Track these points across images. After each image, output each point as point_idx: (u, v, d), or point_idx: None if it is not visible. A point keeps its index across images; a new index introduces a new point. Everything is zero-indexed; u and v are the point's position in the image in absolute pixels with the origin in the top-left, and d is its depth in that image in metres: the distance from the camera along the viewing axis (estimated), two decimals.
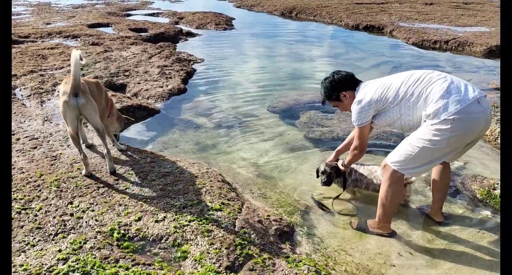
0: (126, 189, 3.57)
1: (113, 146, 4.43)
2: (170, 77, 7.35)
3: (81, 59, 3.55)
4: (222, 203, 3.38)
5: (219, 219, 3.13)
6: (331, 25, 13.89)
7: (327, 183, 3.88)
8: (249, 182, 4.24)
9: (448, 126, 2.76)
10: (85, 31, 10.93)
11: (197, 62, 8.79)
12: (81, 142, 4.04)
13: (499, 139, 4.89)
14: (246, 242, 2.89)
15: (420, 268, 3.01)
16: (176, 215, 3.15)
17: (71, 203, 3.31)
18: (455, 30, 11.75)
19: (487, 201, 3.80)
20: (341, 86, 3.40)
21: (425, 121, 2.91)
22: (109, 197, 3.42)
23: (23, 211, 3.18)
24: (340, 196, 3.90)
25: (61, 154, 4.23)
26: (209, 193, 3.53)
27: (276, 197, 3.96)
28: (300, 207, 3.77)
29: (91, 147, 4.41)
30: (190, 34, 11.81)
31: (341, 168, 3.81)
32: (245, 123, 5.77)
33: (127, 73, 7.39)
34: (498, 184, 3.91)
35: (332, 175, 3.85)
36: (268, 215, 3.42)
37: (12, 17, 13.90)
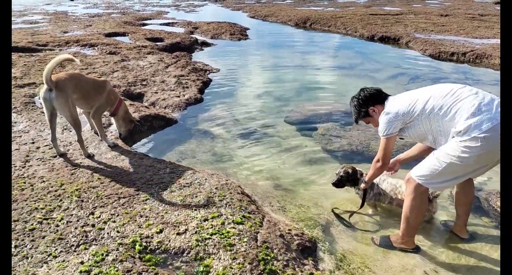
0: (146, 199, 3.55)
1: (100, 140, 4.75)
2: (187, 87, 7.38)
3: (72, 60, 4.08)
4: (243, 216, 3.34)
5: (241, 232, 3.09)
6: (346, 36, 13.88)
7: (335, 184, 3.89)
8: (268, 194, 4.20)
9: (478, 144, 2.70)
10: (102, 40, 11.08)
11: (213, 72, 8.82)
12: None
13: None
14: (269, 257, 2.84)
15: None
16: (197, 227, 3.13)
17: (92, 213, 3.30)
18: (472, 42, 11.65)
19: None
20: (369, 102, 3.38)
21: (453, 137, 2.86)
22: (130, 207, 3.41)
23: (44, 221, 3.18)
24: (361, 210, 3.84)
25: (81, 163, 4.25)
26: (230, 205, 3.50)
27: (295, 210, 3.91)
28: (321, 221, 3.72)
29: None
30: (205, 44, 11.89)
31: (362, 185, 3.77)
32: (262, 134, 5.75)
33: (144, 83, 7.44)
34: None
35: (342, 177, 3.85)
36: (289, 229, 3.37)
37: (30, 25, 14.18)
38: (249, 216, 3.39)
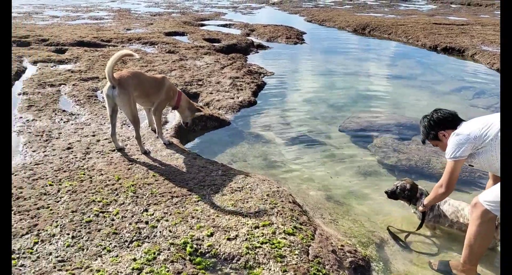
0: (198, 201, 3.56)
1: (157, 137, 4.86)
2: (241, 89, 7.40)
3: (131, 55, 4.15)
4: (295, 227, 3.25)
5: (292, 244, 3.01)
6: (407, 45, 13.38)
7: (387, 193, 3.80)
8: (320, 206, 4.08)
9: None
10: (162, 38, 11.40)
11: (267, 76, 8.79)
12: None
13: None
14: (320, 273, 2.74)
15: None
16: (248, 234, 3.08)
17: (146, 210, 3.35)
18: None
19: None
20: (440, 125, 3.20)
21: None
22: (182, 207, 3.43)
23: (100, 214, 3.26)
24: (418, 231, 3.63)
25: (137, 158, 4.35)
26: (281, 214, 3.42)
27: (348, 225, 3.77)
28: (375, 239, 3.55)
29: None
30: (261, 47, 11.91)
31: (420, 207, 3.57)
32: (314, 142, 5.63)
33: (200, 83, 7.54)
34: None
35: (397, 191, 3.72)
36: (342, 245, 3.24)
37: (96, 21, 14.87)
38: (301, 227, 3.29)
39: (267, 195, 3.74)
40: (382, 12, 21.06)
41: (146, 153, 4.45)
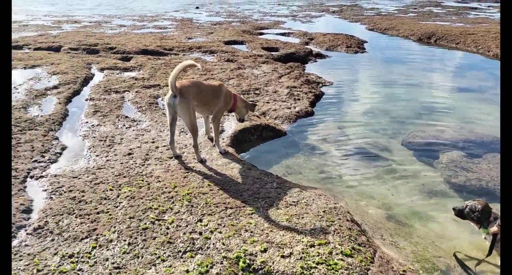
0: (252, 213, 3.48)
1: (213, 145, 4.88)
2: (298, 99, 7.29)
3: (194, 66, 4.23)
4: (353, 248, 3.07)
5: (350, 266, 2.84)
6: (477, 55, 12.57)
7: (455, 210, 3.53)
8: (380, 225, 3.86)
9: None
10: (221, 47, 11.59)
11: (326, 85, 8.61)
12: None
13: None
14: None
15: None
16: (303, 253, 2.95)
17: (200, 220, 3.33)
18: None
19: None
20: None
21: None
22: (236, 219, 3.37)
23: (156, 222, 3.28)
24: (489, 259, 3.30)
25: (193, 167, 4.37)
26: (338, 233, 3.25)
27: (411, 248, 3.52)
28: (440, 265, 3.28)
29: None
30: (319, 56, 11.73)
31: (493, 228, 3.24)
32: (374, 156, 5.38)
33: (257, 92, 7.53)
34: None
35: (465, 210, 3.44)
36: (404, 270, 3.02)
37: (159, 30, 15.46)
38: (359, 248, 3.11)
39: (324, 211, 3.59)
40: (449, 20, 20.03)
41: (202, 161, 4.47)
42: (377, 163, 5.21)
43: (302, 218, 3.46)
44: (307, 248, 3.01)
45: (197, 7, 27.06)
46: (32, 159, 4.35)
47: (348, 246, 3.08)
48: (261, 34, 15.67)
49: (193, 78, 8.05)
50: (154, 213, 3.41)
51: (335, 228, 3.31)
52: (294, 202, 3.73)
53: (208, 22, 18.98)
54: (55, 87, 6.94)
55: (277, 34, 15.64)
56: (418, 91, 8.56)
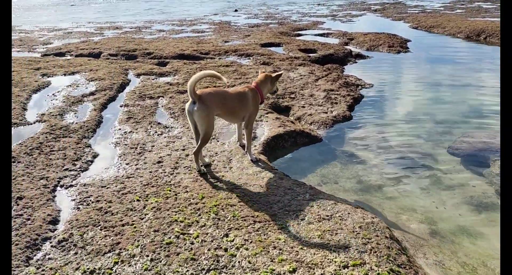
0: (281, 228, 3.27)
1: (245, 152, 4.67)
2: (336, 103, 6.98)
3: (219, 78, 4.09)
4: (391, 270, 2.79)
5: None
6: None
7: None
8: (422, 242, 3.53)
9: None
10: (257, 50, 11.44)
11: (366, 88, 8.23)
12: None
13: None
14: None
15: None
16: (335, 274, 2.70)
17: (226, 235, 3.16)
18: None
19: None
20: None
21: None
22: (264, 235, 3.17)
23: (181, 236, 3.15)
24: None
25: (223, 176, 4.22)
26: (375, 252, 2.98)
27: (457, 269, 3.17)
28: None
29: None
30: (359, 56, 11.31)
31: None
32: (417, 165, 5.01)
33: (292, 96, 7.30)
34: None
35: None
36: None
37: (197, 34, 15.54)
38: (399, 270, 2.82)
39: (360, 226, 3.32)
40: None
41: (201, 172, 4.24)
42: (420, 172, 4.84)
43: (336, 234, 3.20)
44: (340, 269, 2.76)
45: (235, 10, 27.16)
46: (63, 167, 4.37)
47: (386, 267, 2.80)
48: (299, 35, 15.40)
49: (226, 82, 7.94)
50: (180, 226, 3.27)
51: (372, 246, 3.04)
52: (328, 216, 3.48)
53: (246, 24, 18.93)
54: (91, 93, 7.05)
55: (315, 35, 15.31)
56: (465, 93, 7.99)
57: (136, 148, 4.91)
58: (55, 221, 3.41)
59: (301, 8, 27.83)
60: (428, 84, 8.64)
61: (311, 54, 11.11)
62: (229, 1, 35.78)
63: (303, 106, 6.78)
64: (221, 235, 3.16)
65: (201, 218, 3.40)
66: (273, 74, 4.72)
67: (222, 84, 7.64)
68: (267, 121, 5.83)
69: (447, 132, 5.96)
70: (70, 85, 7.58)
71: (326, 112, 6.53)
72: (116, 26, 18.23)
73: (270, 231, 3.24)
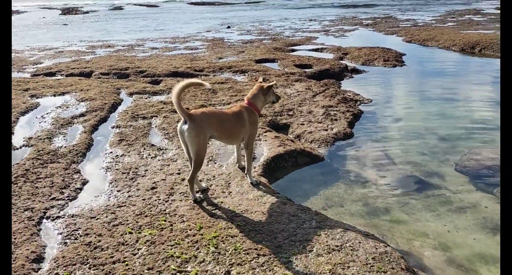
0: (288, 262, 3.00)
1: (245, 174, 4.43)
2: (335, 119, 6.77)
3: (201, 85, 3.83)
4: None
5: None
6: None
7: None
8: (439, 272, 3.27)
9: None
10: (252, 66, 11.27)
11: (365, 103, 8.03)
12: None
13: None
14: None
15: None
16: None
17: (228, 272, 2.88)
18: None
19: None
20: None
21: None
22: (270, 270, 2.89)
23: (178, 274, 2.85)
24: None
25: (222, 202, 3.94)
26: None
27: None
28: None
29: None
30: (355, 71, 11.17)
31: None
32: (424, 184, 4.78)
33: (290, 113, 7.08)
34: None
35: None
36: None
37: (191, 51, 15.39)
38: None
39: (373, 258, 3.05)
40: (493, 28, 18.93)
41: (197, 201, 3.93)
42: (428, 192, 4.61)
43: (348, 268, 2.93)
44: None
45: (228, 27, 27.16)
46: (50, 196, 4.07)
47: None
48: (293, 50, 15.29)
49: (222, 100, 7.72)
50: (176, 262, 2.99)
51: None
52: (337, 246, 3.21)
53: (239, 40, 18.85)
54: (82, 114, 6.77)
55: (309, 50, 15.21)
56: (466, 106, 7.82)
57: (129, 173, 4.63)
58: (39, 259, 3.11)
59: (294, 24, 27.88)
60: (428, 98, 8.48)
61: (306, 70, 10.96)
62: (222, 18, 35.91)
63: (302, 124, 6.55)
64: (222, 272, 2.88)
65: (200, 252, 3.12)
66: (265, 85, 4.44)
67: (216, 103, 7.41)
68: (266, 140, 5.58)
69: (452, 148, 5.75)
70: (59, 107, 7.30)
71: (326, 130, 6.31)
72: (108, 45, 18.03)
73: (275, 265, 2.96)
